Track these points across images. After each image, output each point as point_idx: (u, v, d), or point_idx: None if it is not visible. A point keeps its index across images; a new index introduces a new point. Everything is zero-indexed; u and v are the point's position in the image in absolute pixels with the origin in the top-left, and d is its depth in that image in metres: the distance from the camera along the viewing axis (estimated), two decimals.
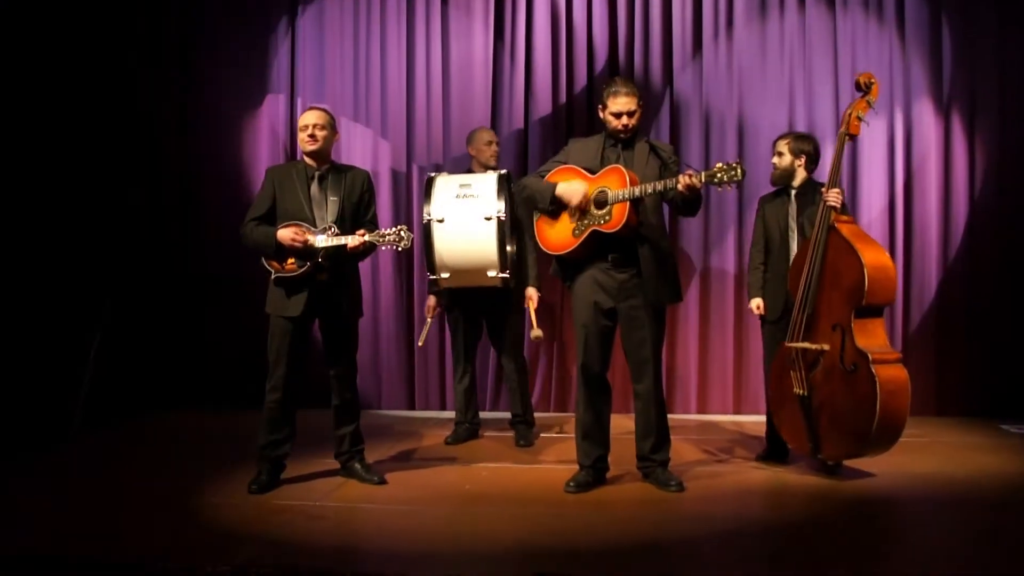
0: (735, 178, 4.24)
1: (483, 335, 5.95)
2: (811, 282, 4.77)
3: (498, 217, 5.13)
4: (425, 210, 5.22)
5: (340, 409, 4.83)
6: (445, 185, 5.30)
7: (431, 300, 5.95)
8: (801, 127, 6.65)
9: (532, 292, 5.78)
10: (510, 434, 5.92)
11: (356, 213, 4.79)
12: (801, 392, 4.78)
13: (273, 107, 7.16)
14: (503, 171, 5.42)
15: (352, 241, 4.58)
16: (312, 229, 4.62)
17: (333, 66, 7.11)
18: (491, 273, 5.18)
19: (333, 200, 4.71)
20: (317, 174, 4.75)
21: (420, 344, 6.04)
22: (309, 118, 4.73)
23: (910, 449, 5.26)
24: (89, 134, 6.91)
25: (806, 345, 4.78)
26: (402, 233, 4.58)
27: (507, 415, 6.02)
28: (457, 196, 5.23)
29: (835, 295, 4.72)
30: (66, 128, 6.70)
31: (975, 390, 6.59)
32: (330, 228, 4.62)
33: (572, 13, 6.91)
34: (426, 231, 5.18)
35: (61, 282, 6.51)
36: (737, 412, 6.79)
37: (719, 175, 4.26)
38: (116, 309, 6.84)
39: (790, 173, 5.14)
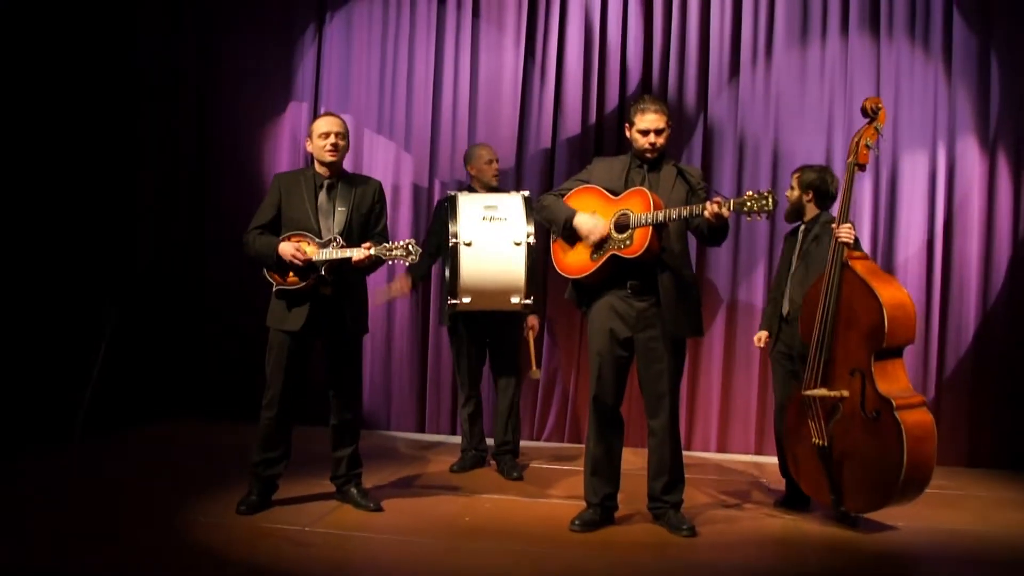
0: (766, 208, 4.00)
1: (487, 362, 5.72)
2: (826, 324, 4.52)
3: (528, 242, 4.91)
4: (451, 230, 4.96)
5: (339, 430, 4.63)
6: (469, 206, 5.07)
7: (532, 320, 5.66)
8: (839, 158, 6.37)
9: (533, 320, 5.56)
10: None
11: (365, 225, 4.60)
12: (820, 442, 4.51)
13: (296, 115, 6.99)
14: (526, 193, 5.21)
15: (357, 254, 4.37)
16: (316, 240, 4.43)
17: (359, 75, 6.94)
18: (515, 299, 4.95)
19: (341, 210, 4.52)
20: (326, 183, 4.57)
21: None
22: (332, 125, 4.55)
23: (939, 502, 4.99)
24: (103, 138, 6.76)
25: (823, 392, 4.51)
26: (410, 247, 4.37)
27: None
28: (484, 218, 5.00)
29: (852, 337, 4.47)
30: (79, 132, 6.54)
31: (1010, 441, 6.25)
32: (335, 240, 4.42)
33: (607, 31, 6.68)
34: (452, 253, 4.92)
35: (67, 288, 6.35)
36: (759, 452, 6.49)
37: (749, 204, 4.03)
38: (123, 316, 6.68)
39: (799, 208, 4.93)
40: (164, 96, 7.07)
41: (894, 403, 4.31)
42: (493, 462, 5.65)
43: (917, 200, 6.39)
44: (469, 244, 4.91)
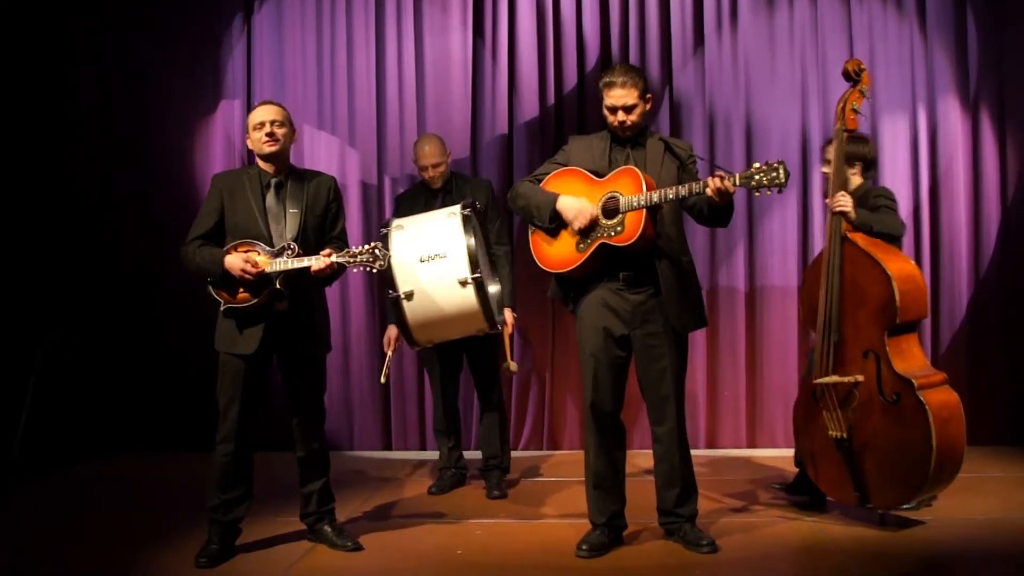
0: (777, 180, 3.56)
1: (463, 365, 5.21)
2: (831, 305, 4.12)
3: (475, 278, 4.15)
4: (388, 277, 4.24)
5: (306, 462, 4.08)
6: (403, 248, 4.26)
7: (391, 331, 5.08)
8: (815, 127, 6.04)
9: (508, 315, 4.99)
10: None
11: (321, 228, 4.05)
12: (839, 435, 4.10)
13: (228, 114, 6.39)
14: (465, 209, 4.33)
15: (316, 263, 3.82)
16: (267, 249, 3.88)
17: (294, 67, 6.36)
18: (478, 330, 4.32)
19: (293, 212, 3.96)
20: (273, 181, 4.01)
21: (383, 381, 4.91)
22: (265, 114, 3.99)
23: (959, 487, 4.46)
24: (20, 148, 6.09)
25: (836, 379, 4.11)
26: (376, 252, 3.84)
27: None
28: (422, 260, 4.22)
29: (861, 316, 4.08)
30: (5, 144, 5.90)
31: (1015, 415, 5.94)
32: (289, 247, 3.87)
33: (560, 5, 6.19)
34: (395, 307, 4.22)
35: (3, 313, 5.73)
36: (751, 446, 6.10)
37: (758, 177, 3.58)
38: (58, 343, 6.04)
39: (844, 181, 4.39)
40: (95, 104, 6.42)
41: (915, 383, 3.93)
42: (479, 479, 5.16)
43: (900, 167, 6.04)
44: (409, 296, 4.17)
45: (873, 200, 4.38)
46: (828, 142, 4.60)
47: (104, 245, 6.40)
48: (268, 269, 3.83)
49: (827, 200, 4.26)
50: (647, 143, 4.02)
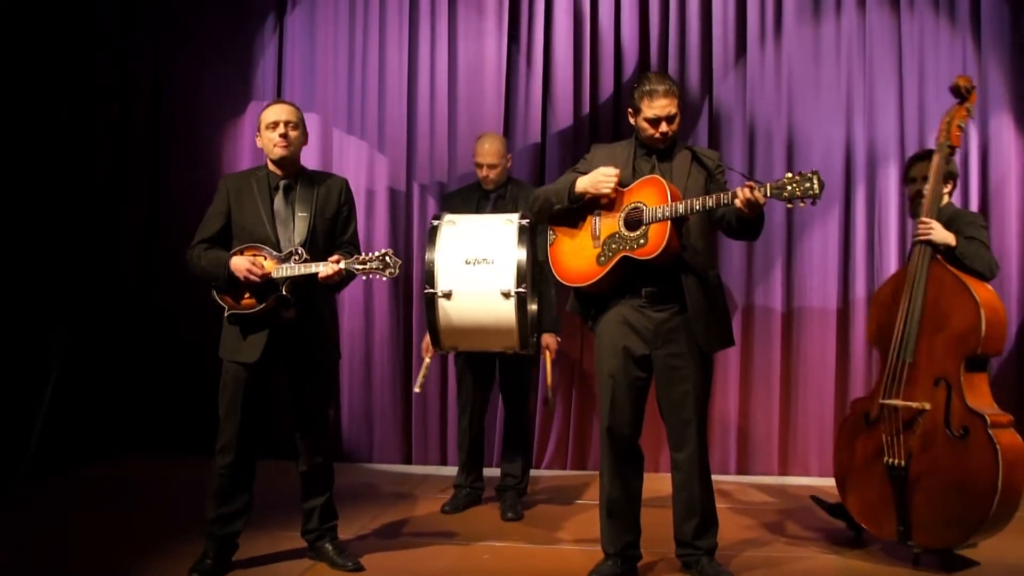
0: (811, 192, 3.33)
1: (494, 383, 5.03)
2: (910, 324, 3.90)
3: (518, 293, 4.09)
4: (425, 270, 4.21)
5: (308, 477, 3.92)
6: (451, 244, 4.24)
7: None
8: (860, 142, 5.81)
9: (550, 339, 4.79)
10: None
11: (331, 232, 3.91)
12: (896, 462, 3.86)
13: (257, 116, 6.22)
14: (524, 220, 4.30)
15: (324, 270, 3.68)
16: (275, 254, 3.74)
17: (325, 69, 6.24)
18: (508, 349, 4.22)
19: (302, 216, 3.82)
20: (282, 183, 3.87)
21: (417, 390, 4.85)
22: (279, 113, 3.86)
23: (1009, 528, 4.23)
24: (49, 144, 6.01)
25: (903, 403, 3.88)
26: (387, 259, 3.68)
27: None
28: (467, 262, 4.18)
29: (939, 342, 3.86)
30: (23, 139, 5.81)
31: None
32: (297, 252, 3.73)
33: (598, 11, 6.01)
34: (428, 303, 4.16)
35: (12, 308, 5.62)
36: (783, 473, 5.84)
37: (790, 188, 3.36)
38: (73, 339, 5.96)
39: (938, 198, 4.12)
40: (116, 101, 6.33)
41: (988, 419, 3.71)
42: (496, 499, 4.97)
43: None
44: (448, 296, 4.13)
45: (967, 228, 4.09)
46: (917, 158, 4.35)
47: (125, 247, 6.33)
48: (274, 274, 3.69)
49: (918, 221, 4.03)
50: (675, 155, 3.83)
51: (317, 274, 3.69)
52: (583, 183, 3.72)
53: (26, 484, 5.28)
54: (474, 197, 4.97)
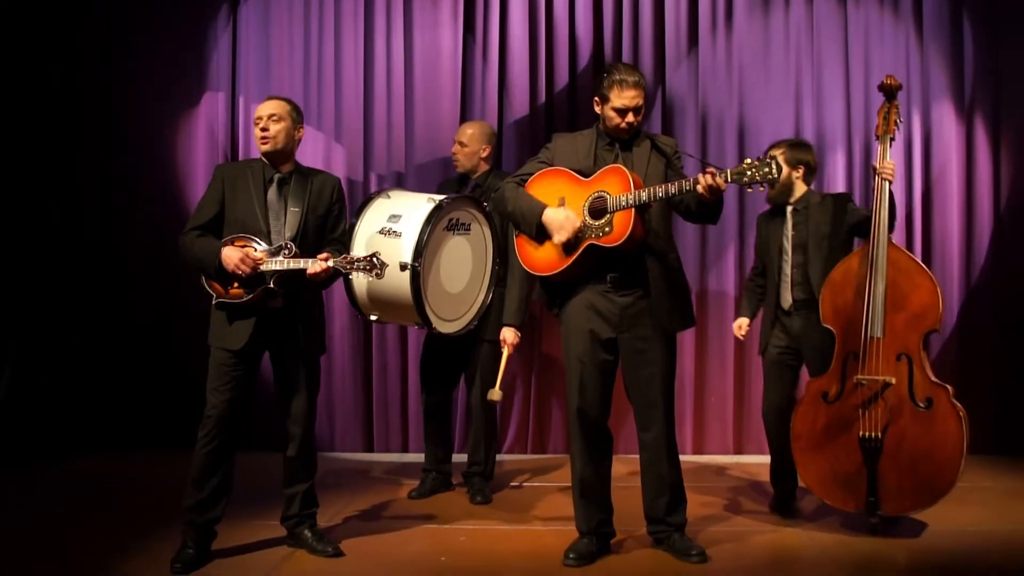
0: (770, 176, 3.48)
1: (459, 370, 5.08)
2: (876, 302, 4.08)
3: (413, 267, 4.13)
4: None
5: (294, 464, 3.97)
6: (377, 213, 4.32)
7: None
8: (809, 129, 5.98)
9: (508, 334, 4.74)
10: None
11: (321, 229, 3.97)
12: (872, 434, 4.04)
13: (212, 106, 6.26)
14: (440, 200, 4.35)
15: (313, 267, 3.73)
16: (264, 247, 3.78)
17: (280, 60, 6.23)
18: (414, 321, 4.27)
19: (294, 211, 3.87)
20: (276, 177, 3.91)
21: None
22: (262, 108, 3.92)
23: (951, 497, 4.41)
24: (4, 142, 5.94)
25: (874, 377, 4.07)
26: (375, 260, 3.74)
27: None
28: (381, 231, 4.23)
29: (899, 320, 4.06)
30: None
31: (1002, 425, 5.88)
32: (287, 247, 3.77)
33: (552, 3, 6.11)
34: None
35: None
36: (739, 452, 6.02)
37: (750, 173, 3.50)
38: (26, 343, 5.91)
39: (787, 187, 4.46)
40: (67, 92, 6.24)
41: (950, 390, 3.98)
42: (461, 483, 5.05)
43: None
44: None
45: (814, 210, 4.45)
46: (773, 146, 4.62)
47: (89, 237, 6.25)
48: (263, 267, 3.74)
49: (874, 164, 4.30)
50: (635, 144, 3.93)
51: (305, 271, 3.74)
52: (549, 222, 3.77)
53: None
54: (453, 185, 5.05)
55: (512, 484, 5.28)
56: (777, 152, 4.43)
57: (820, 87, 6.01)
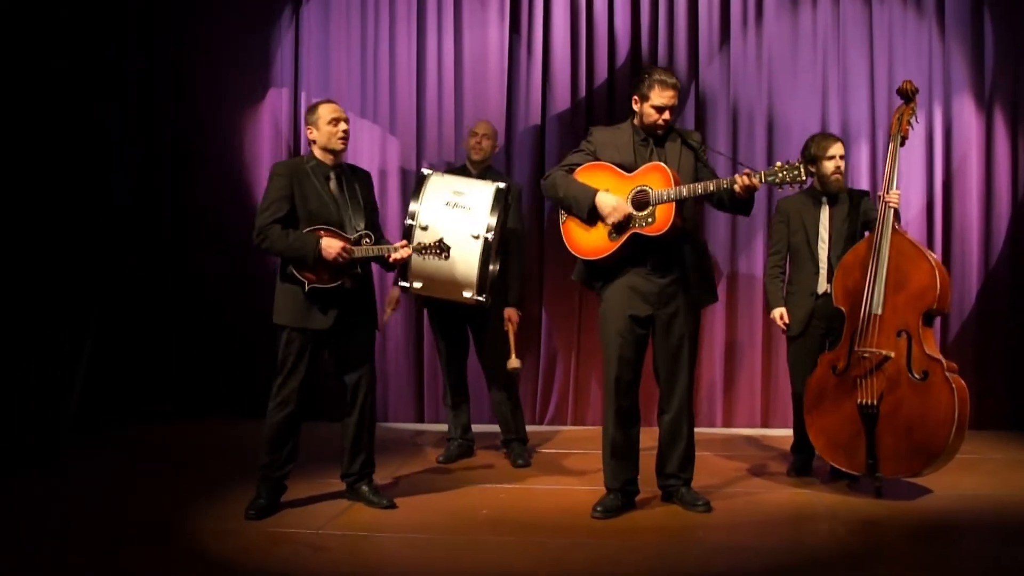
0: (798, 178, 3.98)
1: (470, 342, 5.51)
2: (878, 281, 4.49)
3: (486, 238, 4.56)
4: (410, 208, 4.62)
5: (356, 427, 4.43)
6: (437, 187, 4.71)
7: (394, 292, 5.49)
8: (835, 124, 6.31)
9: (512, 313, 5.35)
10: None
11: (372, 217, 4.45)
12: (869, 401, 4.44)
13: (276, 102, 6.76)
14: (501, 184, 4.79)
15: (397, 254, 4.26)
16: (346, 236, 4.26)
17: (339, 58, 6.72)
18: (467, 293, 4.62)
19: (355, 203, 4.35)
20: (332, 173, 4.37)
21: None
22: (341, 111, 4.38)
23: (957, 466, 4.74)
24: (75, 131, 6.51)
25: (873, 350, 4.47)
26: (442, 244, 4.27)
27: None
28: (448, 203, 4.64)
29: (900, 299, 4.47)
30: (52, 127, 6.30)
31: (1017, 403, 6.22)
32: (368, 236, 4.28)
33: (592, 3, 6.52)
34: (406, 234, 4.56)
35: (47, 289, 6.12)
36: (765, 425, 6.41)
37: (781, 175, 3.99)
38: (106, 315, 6.48)
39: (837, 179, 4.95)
40: (139, 87, 6.79)
41: (945, 364, 4.34)
42: (503, 450, 5.53)
43: (915, 163, 6.29)
44: (425, 228, 4.54)
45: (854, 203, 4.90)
46: (837, 139, 4.96)
47: (153, 224, 6.81)
48: (356, 256, 4.22)
49: (881, 194, 4.63)
50: (667, 140, 4.35)
51: (385, 257, 4.25)
52: (603, 204, 4.19)
53: (72, 452, 5.75)
54: (459, 173, 5.39)
55: (552, 451, 5.72)
56: (841, 145, 4.89)
57: (846, 82, 6.34)
